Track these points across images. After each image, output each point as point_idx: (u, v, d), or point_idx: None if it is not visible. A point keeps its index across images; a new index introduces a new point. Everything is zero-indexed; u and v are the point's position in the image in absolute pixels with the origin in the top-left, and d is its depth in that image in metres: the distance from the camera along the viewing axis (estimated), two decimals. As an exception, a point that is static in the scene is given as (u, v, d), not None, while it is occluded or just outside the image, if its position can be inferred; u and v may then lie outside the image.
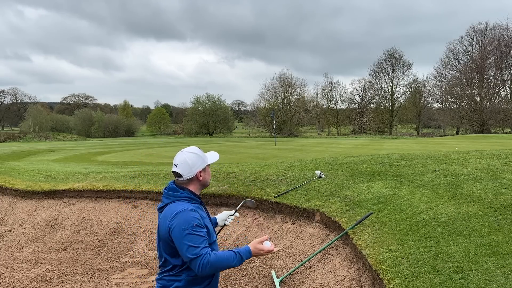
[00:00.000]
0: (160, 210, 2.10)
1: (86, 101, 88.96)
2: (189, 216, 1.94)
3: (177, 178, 2.10)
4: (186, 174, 2.07)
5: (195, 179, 2.10)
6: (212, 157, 2.22)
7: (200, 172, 2.11)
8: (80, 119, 74.91)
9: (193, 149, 2.13)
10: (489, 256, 2.89)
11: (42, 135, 60.53)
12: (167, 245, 1.99)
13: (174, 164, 2.07)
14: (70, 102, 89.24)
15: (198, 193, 2.13)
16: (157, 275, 2.12)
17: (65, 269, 5.40)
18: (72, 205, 7.52)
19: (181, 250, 1.90)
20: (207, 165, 2.19)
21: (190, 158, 2.08)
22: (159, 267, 2.11)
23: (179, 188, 2.08)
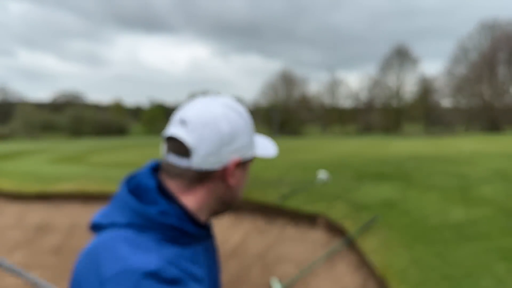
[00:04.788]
0: (94, 230, 0.84)
1: (77, 99, 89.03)
2: None
3: (171, 160, 0.82)
4: (205, 157, 0.80)
5: (218, 178, 0.84)
6: (266, 147, 0.96)
7: (238, 164, 0.85)
8: (71, 118, 74.98)
9: (235, 105, 0.89)
10: (499, 261, 2.91)
11: (32, 134, 60.59)
12: None
13: (181, 121, 0.82)
14: (60, 100, 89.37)
15: (204, 218, 0.86)
16: None
17: (55, 275, 5.42)
18: (62, 208, 7.54)
19: None
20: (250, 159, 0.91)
21: (231, 121, 0.83)
22: None
23: (157, 193, 0.81)
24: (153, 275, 0.68)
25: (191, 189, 0.83)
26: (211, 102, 0.84)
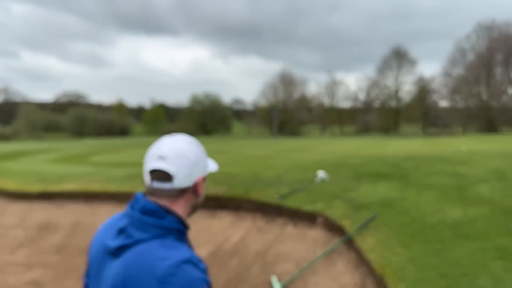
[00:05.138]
0: (117, 252, 1.07)
1: (79, 99, 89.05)
2: (198, 279, 1.00)
3: (156, 185, 1.14)
4: (183, 178, 1.14)
5: (190, 192, 1.19)
6: (212, 164, 1.35)
7: (202, 180, 1.23)
8: (73, 119, 75.00)
9: (192, 139, 1.24)
10: (496, 259, 2.91)
11: (35, 134, 60.67)
12: None
13: (160, 157, 1.14)
14: (63, 101, 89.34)
15: (186, 221, 1.20)
16: None
17: (58, 273, 5.42)
18: (65, 207, 7.54)
19: None
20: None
21: (194, 152, 1.19)
22: None
23: (162, 211, 1.12)
24: (190, 260, 1.02)
25: (176, 203, 1.17)
26: (176, 140, 1.19)
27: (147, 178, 1.16)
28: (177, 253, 1.02)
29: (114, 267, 1.04)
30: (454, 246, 3.23)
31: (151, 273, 0.97)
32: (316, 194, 5.37)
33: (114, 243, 1.07)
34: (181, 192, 1.16)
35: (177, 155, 1.14)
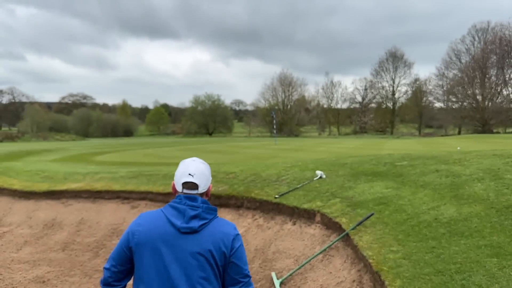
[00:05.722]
0: (200, 228, 1.78)
1: (84, 100, 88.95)
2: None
3: (186, 191, 1.85)
4: (204, 186, 1.87)
5: (205, 195, 1.92)
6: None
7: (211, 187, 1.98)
8: (79, 119, 74.97)
9: (204, 162, 1.97)
10: (491, 257, 2.90)
11: (40, 135, 60.65)
12: (211, 267, 1.78)
13: (189, 174, 1.84)
14: (68, 101, 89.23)
15: None
16: None
17: (63, 270, 5.41)
18: (70, 205, 7.53)
19: (240, 269, 1.84)
20: None
21: (207, 169, 1.92)
22: None
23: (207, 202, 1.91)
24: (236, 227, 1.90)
25: None
26: (197, 162, 1.89)
27: (179, 187, 1.84)
28: (231, 223, 1.90)
29: (199, 237, 1.75)
30: (449, 244, 3.22)
31: (232, 228, 1.85)
32: (314, 193, 5.37)
33: (196, 224, 1.75)
34: (201, 195, 1.86)
35: (200, 172, 1.85)
